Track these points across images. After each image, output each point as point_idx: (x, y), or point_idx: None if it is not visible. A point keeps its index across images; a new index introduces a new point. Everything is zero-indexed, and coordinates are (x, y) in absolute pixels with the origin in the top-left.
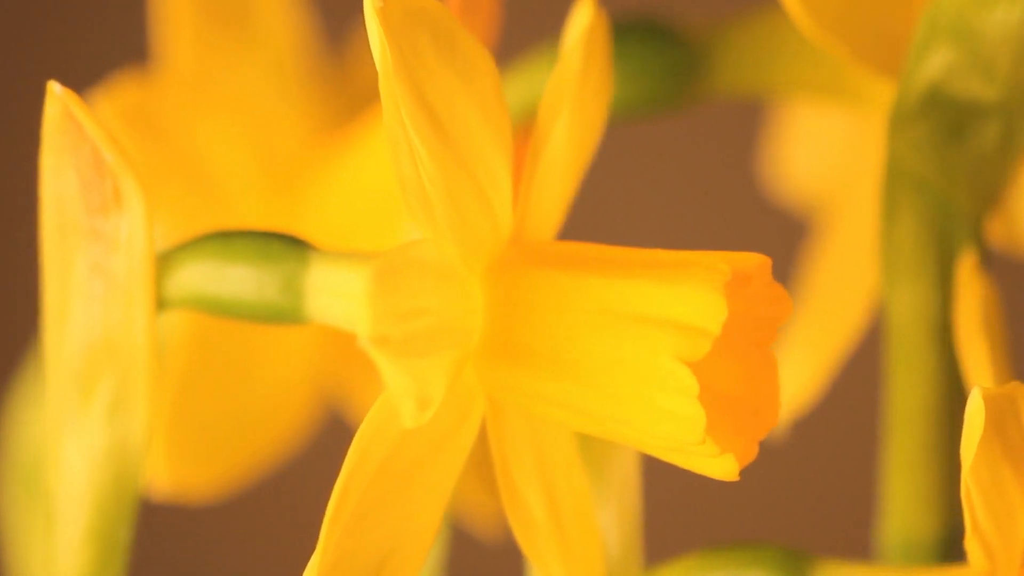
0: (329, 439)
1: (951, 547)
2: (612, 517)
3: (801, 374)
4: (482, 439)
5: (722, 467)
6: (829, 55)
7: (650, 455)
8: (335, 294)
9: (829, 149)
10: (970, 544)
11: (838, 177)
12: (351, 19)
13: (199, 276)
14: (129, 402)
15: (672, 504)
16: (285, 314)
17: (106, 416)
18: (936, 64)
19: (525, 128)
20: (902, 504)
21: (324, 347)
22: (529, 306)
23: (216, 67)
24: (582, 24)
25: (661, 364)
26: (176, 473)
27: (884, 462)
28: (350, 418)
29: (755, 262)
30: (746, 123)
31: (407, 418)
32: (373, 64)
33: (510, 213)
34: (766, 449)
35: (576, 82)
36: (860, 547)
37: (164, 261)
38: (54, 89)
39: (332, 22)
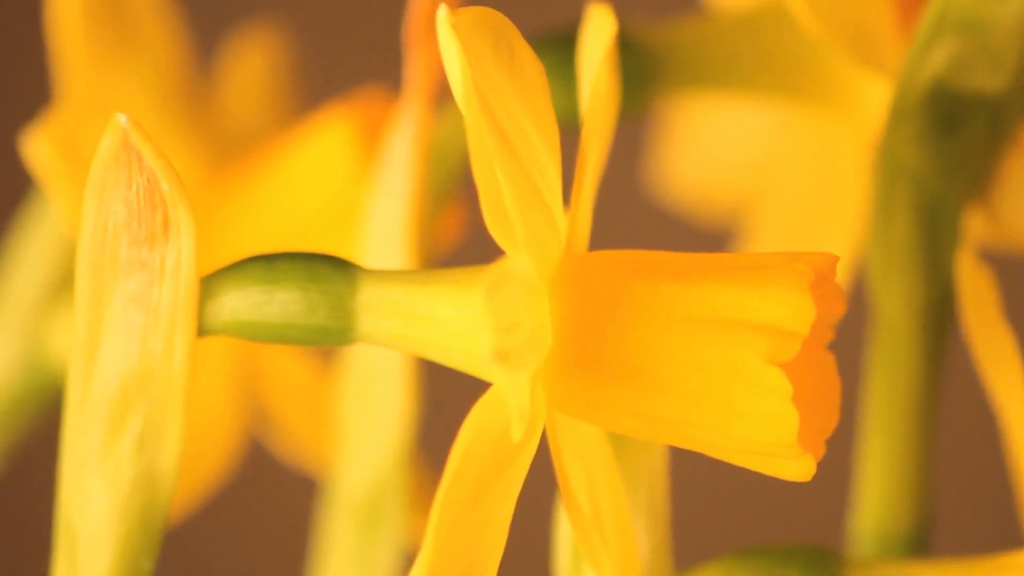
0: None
1: (925, 540)
2: (642, 523)
3: None
4: None
5: (801, 468)
6: (785, 56)
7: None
8: (394, 313)
9: (730, 151)
10: None
11: (746, 179)
12: (219, 35)
13: (243, 302)
14: (161, 431)
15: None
16: (334, 336)
17: (135, 447)
18: (941, 57)
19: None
20: (878, 497)
21: (242, 375)
22: (603, 315)
23: (107, 90)
24: (607, 34)
25: (752, 367)
26: None
27: (862, 455)
28: (271, 445)
29: (828, 261)
30: (632, 129)
31: (516, 431)
32: (242, 83)
33: (565, 224)
34: None
35: (608, 93)
36: (832, 539)
37: (205, 287)
38: (119, 120)
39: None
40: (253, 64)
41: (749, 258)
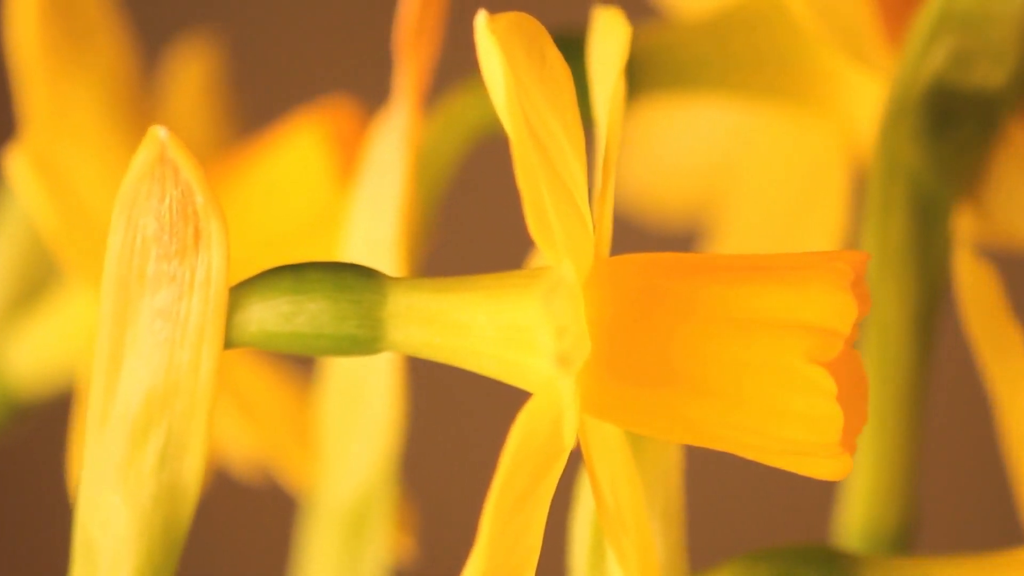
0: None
1: (911, 538)
2: (658, 524)
3: None
4: None
5: (838, 467)
6: (757, 56)
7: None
8: (425, 321)
9: (685, 155)
10: None
11: (702, 182)
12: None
13: (271, 313)
14: (184, 446)
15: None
16: (364, 345)
17: (157, 462)
18: (942, 53)
19: None
20: (866, 494)
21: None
22: (639, 318)
23: (62, 102)
24: (619, 38)
25: (796, 367)
26: None
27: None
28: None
29: (861, 260)
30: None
31: (568, 434)
32: (185, 93)
33: (593, 228)
34: None
35: (623, 98)
36: (820, 535)
37: (232, 299)
38: (158, 133)
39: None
40: (194, 74)
41: (784, 258)
